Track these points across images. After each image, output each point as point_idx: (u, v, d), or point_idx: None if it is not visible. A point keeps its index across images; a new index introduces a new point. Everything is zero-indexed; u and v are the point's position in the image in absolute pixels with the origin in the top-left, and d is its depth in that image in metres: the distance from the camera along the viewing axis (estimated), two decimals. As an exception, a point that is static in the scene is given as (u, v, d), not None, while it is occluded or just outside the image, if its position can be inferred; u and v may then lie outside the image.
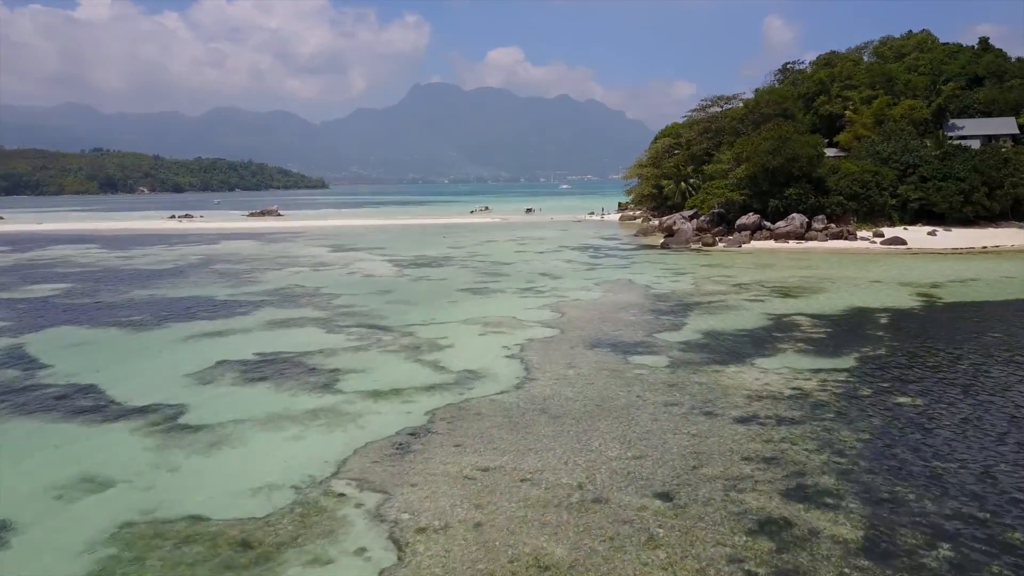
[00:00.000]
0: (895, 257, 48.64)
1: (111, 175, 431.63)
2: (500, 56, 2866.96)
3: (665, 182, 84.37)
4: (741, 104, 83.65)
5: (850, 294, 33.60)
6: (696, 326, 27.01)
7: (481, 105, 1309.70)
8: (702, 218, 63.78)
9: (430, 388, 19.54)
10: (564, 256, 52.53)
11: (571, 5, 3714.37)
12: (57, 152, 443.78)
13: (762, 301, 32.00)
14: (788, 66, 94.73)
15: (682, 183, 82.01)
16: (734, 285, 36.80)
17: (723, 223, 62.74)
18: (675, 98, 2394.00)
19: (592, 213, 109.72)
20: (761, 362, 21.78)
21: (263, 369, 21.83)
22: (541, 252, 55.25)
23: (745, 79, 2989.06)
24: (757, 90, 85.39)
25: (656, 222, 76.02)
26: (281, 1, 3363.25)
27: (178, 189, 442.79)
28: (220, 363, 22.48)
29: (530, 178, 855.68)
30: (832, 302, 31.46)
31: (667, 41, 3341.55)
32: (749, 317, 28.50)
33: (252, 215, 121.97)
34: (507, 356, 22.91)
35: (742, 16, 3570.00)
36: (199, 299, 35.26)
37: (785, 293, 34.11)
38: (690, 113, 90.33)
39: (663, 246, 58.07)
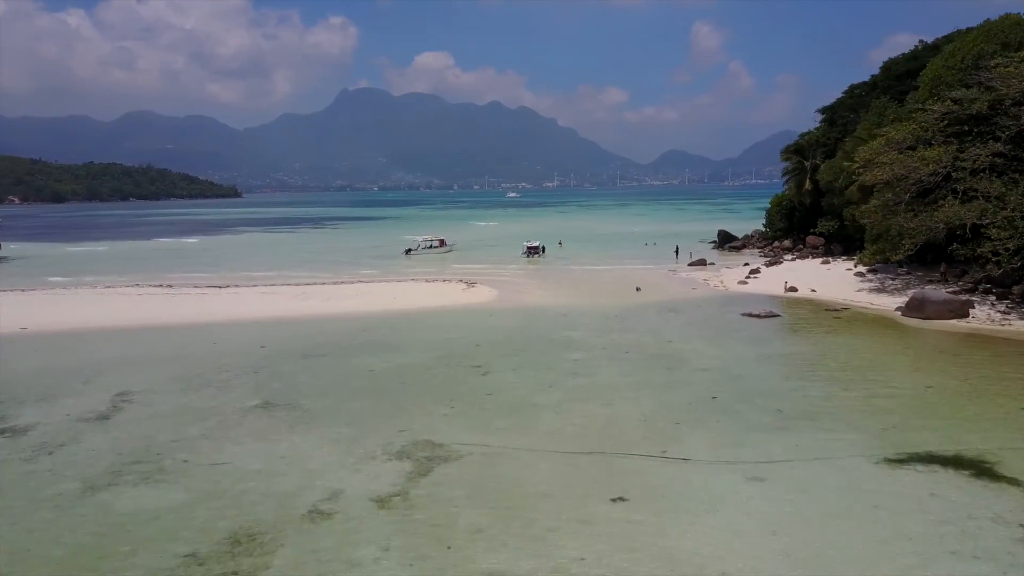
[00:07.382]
0: None
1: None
2: (429, 60, 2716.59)
3: None
4: None
5: None
6: None
7: (411, 111, 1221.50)
8: None
9: None
10: None
11: (498, 6, 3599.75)
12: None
13: None
14: None
15: None
16: None
17: None
18: (605, 104, 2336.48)
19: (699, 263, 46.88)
20: None
21: None
22: None
23: (675, 85, 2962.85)
24: None
25: None
26: (196, 0, 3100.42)
27: (59, 199, 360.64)
28: None
29: (463, 186, 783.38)
30: None
31: (596, 46, 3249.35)
32: None
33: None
34: None
35: (670, 22, 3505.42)
36: None
37: None
38: None
39: None
